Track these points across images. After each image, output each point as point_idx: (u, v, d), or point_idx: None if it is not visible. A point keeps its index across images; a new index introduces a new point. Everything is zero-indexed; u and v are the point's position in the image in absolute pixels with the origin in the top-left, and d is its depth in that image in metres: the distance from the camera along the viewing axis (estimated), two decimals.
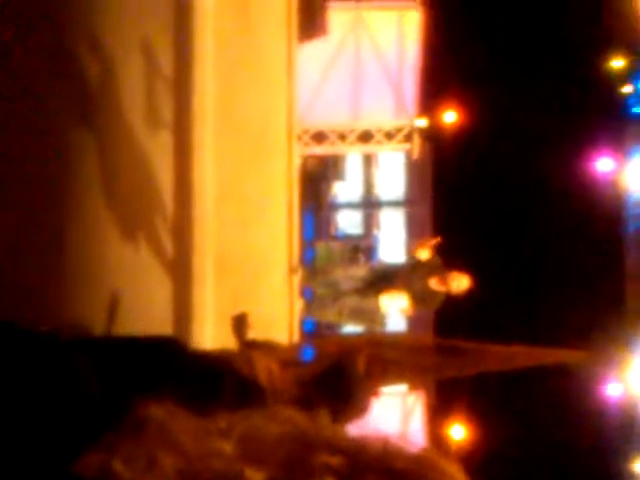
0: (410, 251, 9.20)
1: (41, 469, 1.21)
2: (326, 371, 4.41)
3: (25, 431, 1.28)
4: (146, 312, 7.12)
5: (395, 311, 8.60)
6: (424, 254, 8.28)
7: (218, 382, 3.88)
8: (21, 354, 1.44)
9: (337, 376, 4.37)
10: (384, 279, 8.32)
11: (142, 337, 3.92)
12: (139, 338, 3.91)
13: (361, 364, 4.80)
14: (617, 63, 11.63)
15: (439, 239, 8.48)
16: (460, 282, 7.98)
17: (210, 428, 1.09)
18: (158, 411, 1.11)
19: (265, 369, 4.21)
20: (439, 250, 8.46)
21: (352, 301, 8.53)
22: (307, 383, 4.30)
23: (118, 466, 1.06)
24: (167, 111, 7.20)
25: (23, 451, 1.26)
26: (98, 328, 6.53)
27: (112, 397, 1.49)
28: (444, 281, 7.98)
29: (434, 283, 8.02)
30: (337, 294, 8.61)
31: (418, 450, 1.11)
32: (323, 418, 1.14)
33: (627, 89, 11.77)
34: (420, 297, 8.08)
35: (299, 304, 8.66)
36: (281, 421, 1.11)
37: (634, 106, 11.83)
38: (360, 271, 8.65)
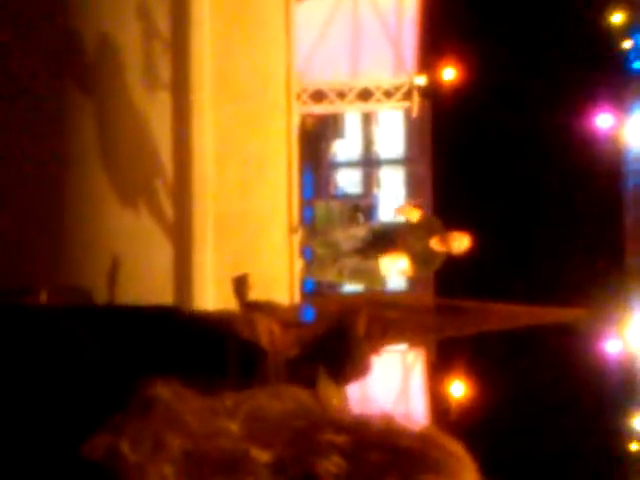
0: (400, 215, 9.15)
1: (47, 452, 1.22)
2: (327, 332, 4.43)
3: (30, 412, 1.28)
4: (147, 275, 7.14)
5: (395, 272, 8.60)
6: (414, 215, 8.27)
7: (220, 345, 3.90)
8: (22, 331, 1.44)
9: (338, 337, 4.39)
10: (384, 239, 8.31)
11: (143, 306, 3.93)
12: (140, 307, 3.92)
13: (361, 325, 4.81)
14: (617, 18, 11.52)
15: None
16: (461, 242, 7.97)
17: (216, 407, 1.10)
18: (164, 391, 1.12)
19: (266, 330, 4.23)
20: (438, 209, 8.45)
21: (352, 261, 8.53)
22: (308, 344, 4.32)
23: (125, 448, 1.07)
24: (165, 74, 7.17)
25: (28, 434, 1.26)
26: (99, 292, 6.55)
27: (116, 371, 1.49)
28: (444, 241, 7.97)
29: (434, 243, 8.01)
30: (337, 254, 8.61)
31: (421, 428, 1.12)
32: (327, 395, 1.14)
33: (627, 44, 11.68)
34: (420, 258, 8.07)
35: (299, 264, 8.67)
36: (286, 399, 1.11)
37: (634, 61, 11.74)
38: (360, 231, 8.64)
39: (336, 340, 4.37)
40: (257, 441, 1.06)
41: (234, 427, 1.07)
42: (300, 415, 1.10)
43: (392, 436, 1.09)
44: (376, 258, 8.23)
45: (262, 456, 1.05)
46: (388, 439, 1.09)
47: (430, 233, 8.05)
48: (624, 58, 11.72)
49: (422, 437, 1.11)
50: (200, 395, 1.13)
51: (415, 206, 8.52)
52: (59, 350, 1.41)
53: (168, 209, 7.44)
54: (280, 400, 1.12)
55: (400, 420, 1.13)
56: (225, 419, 1.08)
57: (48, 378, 1.35)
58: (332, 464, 1.04)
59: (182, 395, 1.12)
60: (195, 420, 1.08)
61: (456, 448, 1.12)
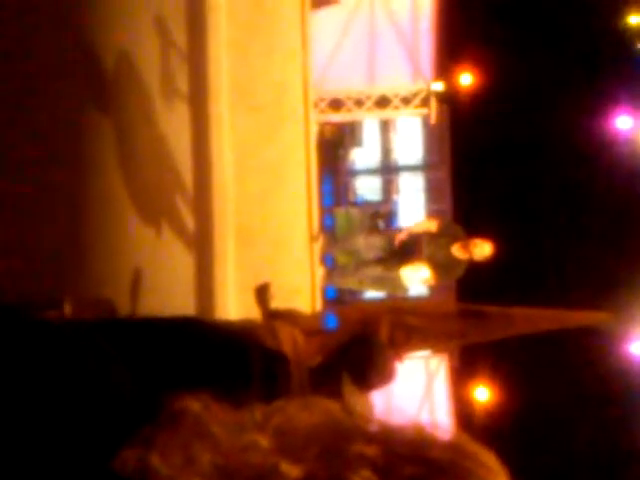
0: (429, 217, 9.15)
1: (78, 467, 1.22)
2: (350, 340, 4.43)
3: (59, 427, 1.29)
4: (169, 286, 7.16)
5: (418, 282, 8.57)
6: (432, 226, 8.24)
7: (244, 354, 3.90)
8: (48, 347, 1.45)
9: (361, 344, 4.39)
10: (405, 248, 8.28)
11: (166, 318, 3.93)
12: (163, 319, 3.93)
13: (384, 332, 4.80)
14: (634, 19, 11.48)
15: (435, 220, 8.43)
16: (482, 249, 7.93)
17: (245, 421, 1.09)
18: (193, 404, 1.11)
19: (289, 339, 4.23)
20: (458, 214, 8.42)
21: (373, 270, 8.51)
22: (331, 352, 4.31)
23: (156, 461, 1.06)
24: (183, 85, 7.20)
25: (58, 450, 1.26)
26: (122, 304, 6.57)
27: (142, 385, 1.49)
28: (466, 248, 7.93)
29: (456, 251, 7.97)
30: (358, 262, 8.60)
31: (451, 437, 1.11)
32: (354, 404, 1.14)
33: None
34: (442, 266, 8.04)
35: (320, 272, 8.67)
36: (315, 411, 1.11)
37: None
38: (381, 240, 8.60)
39: (360, 347, 4.36)
40: (287, 455, 1.05)
41: (264, 441, 1.06)
42: (330, 427, 1.09)
43: (423, 447, 1.08)
44: (398, 267, 8.21)
45: (292, 471, 1.04)
46: (419, 450, 1.08)
47: (451, 240, 8.01)
48: None
49: (453, 447, 1.10)
50: (228, 408, 1.13)
51: (431, 216, 8.50)
52: (86, 366, 1.42)
53: (189, 220, 7.47)
54: (309, 412, 1.11)
55: (430, 429, 1.12)
56: (254, 433, 1.08)
57: (75, 394, 1.36)
58: (363, 479, 1.04)
59: (211, 408, 1.11)
60: (225, 434, 1.08)
61: (487, 457, 1.12)
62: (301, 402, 1.12)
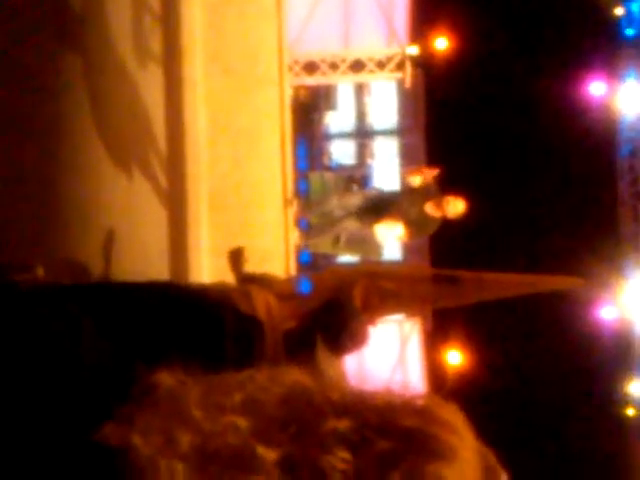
0: (404, 179, 9.14)
1: (57, 440, 1.22)
2: (324, 304, 4.44)
3: (29, 400, 1.28)
4: (142, 248, 7.14)
5: (391, 239, 8.57)
6: (416, 180, 8.23)
7: (218, 318, 3.91)
8: (17, 313, 1.44)
9: (334, 309, 4.40)
10: (379, 206, 8.28)
11: (139, 283, 3.93)
12: (136, 284, 3.92)
13: (358, 296, 4.82)
14: None
15: (434, 170, 8.40)
16: (455, 206, 7.94)
17: (222, 401, 1.10)
18: (168, 380, 1.12)
19: (263, 303, 4.24)
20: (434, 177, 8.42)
21: (348, 231, 8.52)
22: (305, 316, 4.33)
23: (138, 441, 1.07)
24: (156, 46, 7.13)
25: (29, 423, 1.26)
26: (95, 266, 6.55)
27: (117, 351, 1.49)
28: (440, 206, 7.94)
29: (430, 208, 7.98)
30: (333, 224, 8.59)
31: (422, 402, 1.12)
32: (326, 372, 1.14)
33: (619, 11, 11.63)
34: (416, 223, 8.04)
35: (295, 235, 8.67)
36: (285, 383, 1.11)
37: (626, 28, 11.70)
38: (355, 199, 8.59)
39: (333, 311, 4.38)
40: (263, 437, 1.06)
41: (241, 422, 1.07)
42: (301, 401, 1.10)
43: (394, 415, 1.09)
44: (371, 225, 8.20)
45: (270, 454, 1.05)
46: (390, 419, 1.09)
47: (425, 198, 8.02)
48: (616, 25, 11.68)
49: (423, 413, 1.11)
50: (203, 382, 1.13)
51: (417, 171, 8.46)
52: (56, 334, 1.41)
53: (162, 182, 7.43)
54: (279, 385, 1.12)
55: (400, 394, 1.13)
56: (231, 414, 1.08)
57: (46, 362, 1.36)
58: (338, 460, 1.05)
59: (187, 385, 1.12)
60: (203, 415, 1.08)
61: (457, 423, 1.13)
62: (270, 374, 1.13)
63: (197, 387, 1.13)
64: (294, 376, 1.14)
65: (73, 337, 1.45)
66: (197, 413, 1.09)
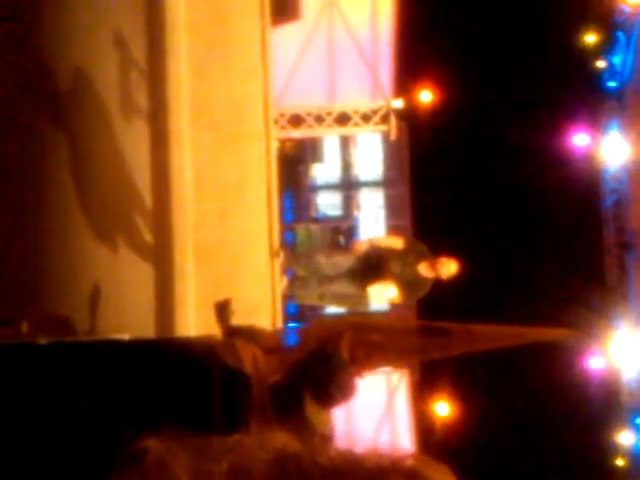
0: (390, 233, 9.17)
1: None
2: (311, 356, 4.42)
3: (16, 458, 1.28)
4: (128, 303, 7.11)
5: (384, 300, 8.56)
6: (397, 243, 8.25)
7: (205, 374, 3.88)
8: (6, 371, 1.43)
9: (322, 361, 4.38)
10: (370, 268, 8.26)
11: (126, 340, 3.91)
12: (123, 341, 3.90)
13: (345, 348, 4.80)
14: (590, 38, 11.64)
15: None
16: (449, 267, 7.95)
17: (211, 469, 1.09)
18: (156, 447, 1.11)
19: (250, 356, 4.21)
20: (418, 230, 8.44)
21: (335, 285, 8.50)
22: (292, 368, 4.30)
23: None
24: (143, 102, 7.17)
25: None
26: (81, 321, 6.52)
27: (103, 411, 1.49)
28: (433, 267, 7.95)
29: (423, 269, 7.98)
30: (321, 282, 8.58)
31: (411, 463, 1.11)
32: (314, 434, 1.13)
33: (601, 64, 11.79)
34: (409, 285, 8.04)
35: (282, 287, 8.65)
36: (273, 449, 1.10)
37: (608, 81, 11.86)
38: (343, 260, 8.54)
39: (320, 364, 4.36)
40: None
41: None
42: (290, 467, 1.09)
43: (382, 476, 1.08)
44: (361, 284, 8.20)
45: None
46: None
47: (418, 259, 8.01)
48: (598, 78, 11.83)
49: (412, 475, 1.10)
50: (191, 448, 1.12)
51: (392, 232, 8.51)
52: (45, 394, 1.40)
53: (148, 236, 7.42)
54: (267, 451, 1.11)
55: (388, 455, 1.12)
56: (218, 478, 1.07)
57: (35, 422, 1.35)
58: None
59: (174, 451, 1.11)
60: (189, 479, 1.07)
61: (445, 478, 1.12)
62: (258, 438, 1.12)
63: (185, 454, 1.12)
64: (282, 440, 1.13)
65: (60, 397, 1.45)
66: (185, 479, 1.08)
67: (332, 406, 4.41)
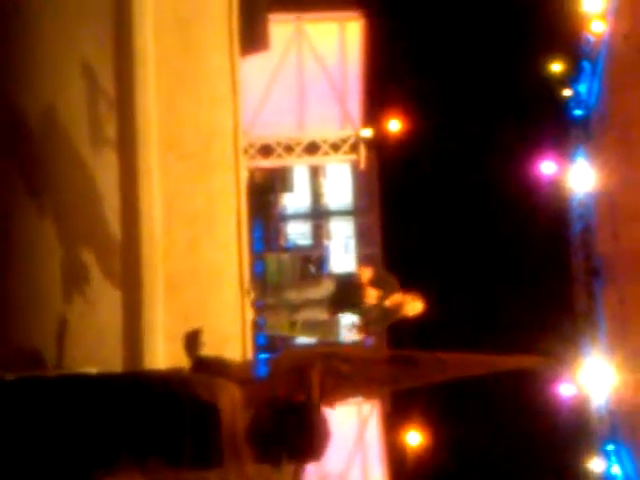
0: (360, 262, 9.19)
1: None
2: (283, 405, 4.32)
3: None
4: (96, 332, 7.06)
5: (350, 331, 8.59)
6: (367, 274, 8.28)
7: (176, 409, 3.84)
8: None
9: (296, 413, 4.30)
10: (339, 300, 8.28)
11: (96, 375, 3.87)
12: (92, 376, 3.86)
13: (315, 380, 4.77)
14: (556, 67, 11.78)
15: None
16: (414, 306, 8.04)
17: None
18: None
19: (228, 397, 4.15)
20: (388, 257, 8.47)
21: (305, 315, 8.51)
22: (267, 422, 4.20)
23: None
24: (111, 132, 7.15)
25: None
26: (48, 354, 6.45)
27: (70, 446, 1.46)
28: (400, 304, 8.01)
29: (389, 303, 8.03)
30: (290, 309, 8.58)
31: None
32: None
33: (567, 92, 11.93)
34: (375, 316, 8.09)
35: (252, 318, 8.63)
36: None
37: (575, 109, 11.99)
38: (313, 293, 8.56)
39: (294, 415, 4.28)
40: None
41: None
42: None
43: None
44: (330, 312, 8.22)
45: None
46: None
47: (386, 293, 8.05)
48: (565, 106, 11.97)
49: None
50: None
51: (363, 261, 8.56)
52: (11, 431, 1.38)
53: (116, 267, 7.38)
54: None
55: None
56: None
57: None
58: None
59: None
60: None
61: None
62: (238, 474, 1.11)
63: None
64: (261, 475, 1.13)
65: (25, 439, 1.42)
66: None
67: (307, 461, 4.34)
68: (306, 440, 4.14)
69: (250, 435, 4.00)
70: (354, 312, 8.09)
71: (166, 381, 4.28)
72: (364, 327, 8.10)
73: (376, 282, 8.23)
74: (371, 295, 8.08)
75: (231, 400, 4.08)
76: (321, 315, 8.36)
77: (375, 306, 8.06)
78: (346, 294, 8.28)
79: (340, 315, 8.18)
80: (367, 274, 8.29)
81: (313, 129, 10.65)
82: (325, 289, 8.46)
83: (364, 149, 10.66)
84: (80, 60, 6.89)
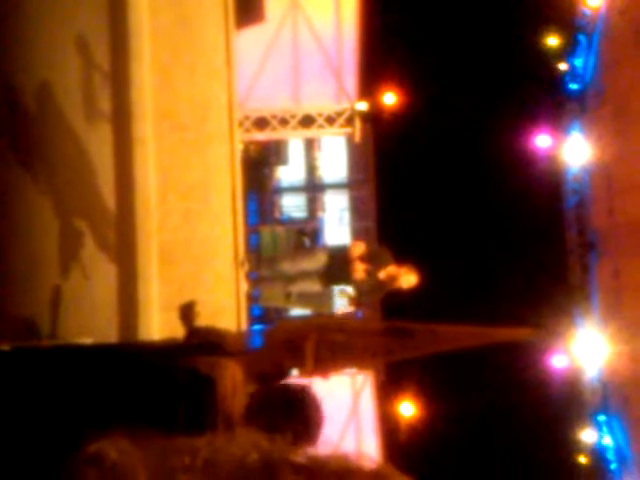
0: (354, 234, 9.22)
1: None
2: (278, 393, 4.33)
3: None
4: (92, 305, 7.09)
5: (343, 302, 8.62)
6: (359, 249, 8.30)
7: (170, 378, 3.87)
8: None
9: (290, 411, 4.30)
10: (332, 268, 8.31)
11: (92, 345, 3.90)
12: (87, 346, 3.89)
13: (310, 351, 4.81)
14: (552, 41, 11.75)
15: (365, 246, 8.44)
16: (408, 279, 8.05)
17: (173, 464, 1.10)
18: (113, 452, 1.12)
19: (230, 376, 4.17)
20: (383, 231, 8.49)
21: (300, 287, 8.54)
22: (264, 406, 4.22)
23: None
24: (106, 105, 7.15)
25: None
26: (44, 323, 6.49)
27: (66, 418, 1.50)
28: (394, 277, 8.03)
29: (383, 276, 8.05)
30: (285, 280, 8.61)
31: (375, 466, 1.14)
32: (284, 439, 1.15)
33: (563, 66, 11.90)
34: (368, 289, 8.11)
35: (246, 290, 8.66)
36: (243, 445, 1.12)
37: (570, 83, 11.97)
38: (307, 264, 8.60)
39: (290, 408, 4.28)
40: None
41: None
42: (258, 459, 1.11)
43: (347, 475, 1.11)
44: (324, 284, 8.25)
45: None
46: (343, 478, 1.11)
47: (379, 266, 8.07)
48: (560, 80, 11.95)
49: (375, 476, 1.13)
50: (150, 449, 1.14)
51: (357, 235, 8.58)
52: (6, 400, 1.41)
53: (111, 239, 7.40)
54: (236, 445, 1.13)
55: (354, 459, 1.15)
56: (181, 474, 1.09)
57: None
58: None
59: (131, 454, 1.12)
60: (144, 477, 1.08)
61: None
62: (229, 436, 1.14)
63: (144, 454, 1.13)
64: (251, 437, 1.16)
65: (20, 409, 1.46)
66: (143, 478, 1.09)
67: (306, 441, 4.35)
68: (300, 428, 4.16)
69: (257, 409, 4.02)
70: (345, 284, 8.13)
71: (165, 353, 4.30)
72: (356, 299, 8.14)
73: (368, 256, 8.25)
74: (359, 269, 8.10)
75: (232, 378, 4.10)
76: (314, 286, 8.40)
77: (365, 279, 8.08)
78: (337, 267, 8.31)
79: (332, 287, 8.21)
80: (359, 249, 8.31)
81: (308, 102, 10.64)
82: (318, 261, 8.49)
83: (359, 122, 10.65)
84: (75, 33, 6.89)
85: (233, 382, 4.12)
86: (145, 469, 1.11)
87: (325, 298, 8.75)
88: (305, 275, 8.47)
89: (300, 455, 1.16)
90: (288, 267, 8.62)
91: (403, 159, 10.90)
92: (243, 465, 1.11)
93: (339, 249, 8.67)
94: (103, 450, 1.13)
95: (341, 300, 8.78)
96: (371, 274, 8.09)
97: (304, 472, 1.11)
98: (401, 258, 8.28)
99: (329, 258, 8.46)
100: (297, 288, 8.59)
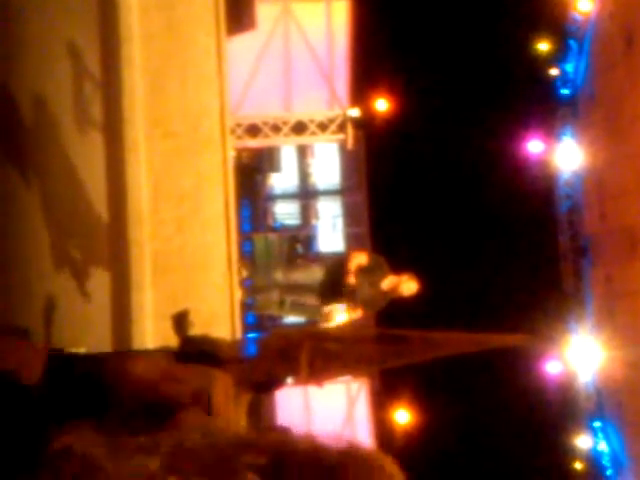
0: (347, 241, 9.20)
1: None
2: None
3: None
4: (85, 314, 7.06)
5: (343, 315, 8.58)
6: (361, 259, 8.26)
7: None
8: None
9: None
10: (329, 287, 8.26)
11: (83, 355, 3.87)
12: (81, 356, 3.86)
13: (304, 359, 4.79)
14: (543, 46, 11.78)
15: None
16: (409, 287, 8.01)
17: (133, 448, 1.10)
18: (77, 443, 1.12)
19: (222, 389, 4.15)
20: (375, 237, 8.47)
21: (293, 296, 8.51)
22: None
23: None
24: (97, 113, 7.13)
25: None
26: (38, 334, 6.44)
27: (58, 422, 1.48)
28: (395, 285, 7.99)
29: (384, 285, 8.01)
30: (279, 289, 8.58)
31: (346, 445, 1.14)
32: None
33: (554, 71, 11.94)
34: (368, 301, 8.08)
35: (240, 297, 8.64)
36: (209, 432, 1.12)
37: (561, 88, 12.01)
38: (300, 276, 8.55)
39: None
40: (176, 471, 1.07)
41: (153, 463, 1.08)
42: (222, 443, 1.11)
43: (315, 454, 1.11)
44: (319, 300, 8.21)
45: None
46: (311, 457, 1.11)
47: (380, 277, 8.03)
48: (552, 85, 11.98)
49: (345, 454, 1.13)
50: (118, 438, 1.14)
51: (354, 241, 8.55)
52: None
53: (104, 248, 7.37)
54: (202, 432, 1.13)
55: (324, 439, 1.15)
56: (144, 457, 1.09)
57: None
58: None
59: (96, 442, 1.12)
60: (112, 463, 1.09)
61: (381, 460, 1.15)
62: (195, 423, 1.15)
63: (108, 443, 1.13)
64: (216, 425, 1.17)
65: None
66: (105, 463, 1.10)
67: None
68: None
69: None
70: (340, 302, 8.07)
71: (147, 360, 4.26)
72: (358, 309, 8.08)
73: (369, 267, 8.20)
74: (361, 282, 8.06)
75: (224, 389, 4.08)
76: (310, 300, 8.35)
77: (367, 290, 8.04)
78: (333, 284, 8.25)
79: (331, 300, 8.15)
80: (360, 259, 8.24)
81: (300, 109, 10.64)
82: (313, 275, 8.44)
83: (351, 129, 10.66)
84: (66, 40, 6.86)
85: (225, 394, 4.10)
86: (107, 456, 1.11)
87: (319, 308, 8.72)
88: (299, 288, 8.43)
89: (267, 437, 1.16)
90: (281, 277, 8.59)
91: (395, 165, 10.91)
92: (207, 449, 1.11)
93: (336, 263, 8.60)
94: (71, 443, 1.13)
95: (341, 315, 8.73)
96: (373, 285, 8.04)
97: (269, 453, 1.10)
98: (394, 265, 8.25)
99: (325, 274, 8.39)
100: (291, 297, 8.56)
